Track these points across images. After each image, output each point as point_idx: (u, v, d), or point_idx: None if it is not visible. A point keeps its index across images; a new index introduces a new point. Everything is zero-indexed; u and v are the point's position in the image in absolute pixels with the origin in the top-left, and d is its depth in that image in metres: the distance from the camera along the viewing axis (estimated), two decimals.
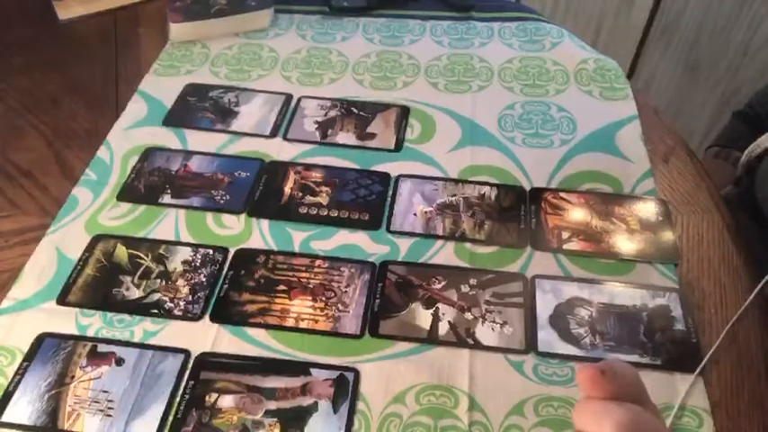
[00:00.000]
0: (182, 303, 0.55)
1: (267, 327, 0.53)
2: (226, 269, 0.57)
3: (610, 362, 0.32)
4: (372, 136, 0.70)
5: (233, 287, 0.56)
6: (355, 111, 0.73)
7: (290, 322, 0.53)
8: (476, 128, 0.71)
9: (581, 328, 0.53)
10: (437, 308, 0.54)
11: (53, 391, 0.49)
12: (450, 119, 0.72)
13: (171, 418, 0.48)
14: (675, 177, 0.66)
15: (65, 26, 0.88)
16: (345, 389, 0.49)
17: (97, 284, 0.56)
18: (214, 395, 0.49)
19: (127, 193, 0.64)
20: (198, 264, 0.58)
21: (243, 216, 0.62)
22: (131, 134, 0.71)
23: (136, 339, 0.53)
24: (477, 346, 0.52)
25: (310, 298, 0.55)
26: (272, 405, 0.48)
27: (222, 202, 0.63)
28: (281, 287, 0.56)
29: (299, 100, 0.75)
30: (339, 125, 0.71)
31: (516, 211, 0.62)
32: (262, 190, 0.64)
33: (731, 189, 0.81)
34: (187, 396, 0.49)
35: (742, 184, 0.79)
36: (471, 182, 0.65)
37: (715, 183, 0.67)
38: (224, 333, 0.53)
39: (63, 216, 0.62)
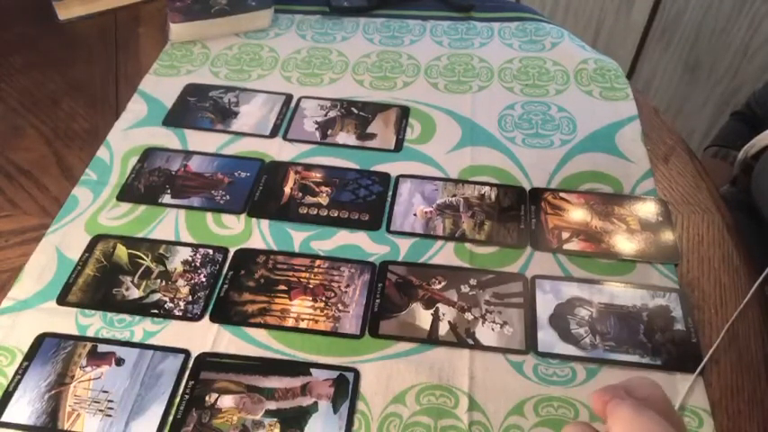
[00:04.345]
0: (182, 303, 0.55)
1: (267, 327, 0.53)
2: (226, 269, 0.57)
3: (629, 381, 0.36)
4: (372, 136, 0.70)
5: (233, 287, 0.56)
6: (355, 111, 0.73)
7: (290, 322, 0.53)
8: (476, 128, 0.71)
9: (581, 328, 0.53)
10: (437, 308, 0.54)
11: (53, 391, 0.49)
12: (451, 119, 0.72)
13: (171, 418, 0.48)
14: (675, 177, 0.66)
15: (65, 26, 0.88)
16: (345, 389, 0.49)
17: (97, 284, 0.56)
18: (214, 395, 0.49)
19: (127, 193, 0.64)
20: (198, 264, 0.58)
21: (243, 216, 0.62)
22: (131, 134, 0.71)
23: (136, 339, 0.53)
24: (477, 346, 0.52)
25: (310, 298, 0.55)
26: (272, 405, 0.48)
27: (222, 202, 0.63)
28: (281, 287, 0.56)
29: (299, 100, 0.75)
30: (339, 125, 0.71)
31: (516, 211, 0.62)
32: (262, 190, 0.64)
33: (728, 188, 0.81)
34: (187, 396, 0.49)
35: (739, 184, 0.79)
36: (471, 182, 0.65)
37: (714, 182, 0.67)
38: (224, 333, 0.53)
39: (63, 216, 0.62)
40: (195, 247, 0.59)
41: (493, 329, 0.53)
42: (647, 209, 0.62)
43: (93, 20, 0.89)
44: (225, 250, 0.59)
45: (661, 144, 0.70)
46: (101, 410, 0.48)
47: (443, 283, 0.56)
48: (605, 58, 0.80)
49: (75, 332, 0.53)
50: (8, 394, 0.49)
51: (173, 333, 0.53)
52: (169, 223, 0.61)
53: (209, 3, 0.83)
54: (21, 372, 0.50)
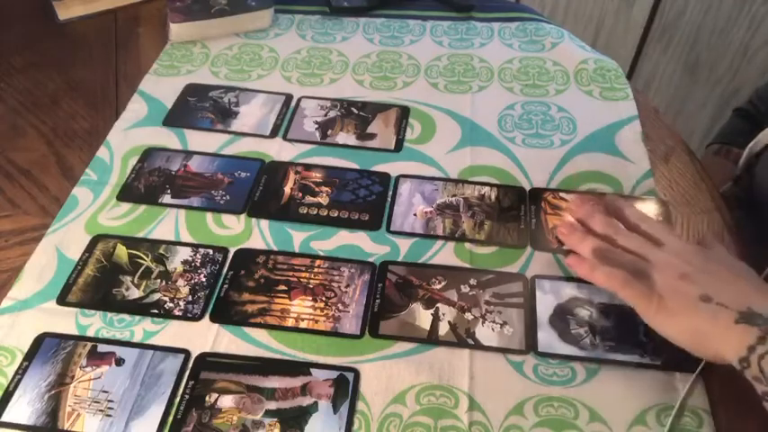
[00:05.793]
0: (182, 303, 0.55)
1: (267, 327, 0.53)
2: (226, 269, 0.57)
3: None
4: (372, 136, 0.70)
5: (233, 287, 0.56)
6: (355, 111, 0.73)
7: (290, 322, 0.53)
8: (476, 128, 0.71)
9: (581, 328, 0.53)
10: (437, 308, 0.54)
11: (53, 391, 0.49)
12: (451, 119, 0.72)
13: (171, 418, 0.48)
14: (675, 177, 0.66)
15: (65, 26, 0.88)
16: (345, 389, 0.49)
17: (97, 284, 0.56)
18: (214, 395, 0.49)
19: (127, 193, 0.64)
20: (198, 264, 0.58)
21: (243, 216, 0.62)
22: (131, 134, 0.71)
23: (136, 339, 0.53)
24: (477, 346, 0.52)
25: (310, 298, 0.55)
26: (272, 405, 0.48)
27: (222, 202, 0.63)
28: (281, 287, 0.56)
29: (299, 100, 0.75)
30: (339, 125, 0.71)
31: (516, 211, 0.62)
32: (262, 190, 0.64)
33: (731, 187, 0.81)
34: (187, 396, 0.49)
35: (742, 182, 0.78)
36: (471, 182, 0.65)
37: (715, 181, 0.67)
38: (224, 333, 0.53)
39: (63, 216, 0.62)
40: (195, 247, 0.59)
41: (493, 329, 0.53)
42: (647, 209, 0.62)
43: (93, 20, 0.89)
44: (225, 250, 0.59)
45: (661, 144, 0.70)
46: (101, 410, 0.48)
47: (443, 283, 0.56)
48: (605, 58, 0.80)
49: (75, 332, 0.53)
50: (8, 394, 0.49)
51: (173, 333, 0.53)
52: (169, 223, 0.61)
53: (209, 3, 0.83)
54: (21, 372, 0.50)
